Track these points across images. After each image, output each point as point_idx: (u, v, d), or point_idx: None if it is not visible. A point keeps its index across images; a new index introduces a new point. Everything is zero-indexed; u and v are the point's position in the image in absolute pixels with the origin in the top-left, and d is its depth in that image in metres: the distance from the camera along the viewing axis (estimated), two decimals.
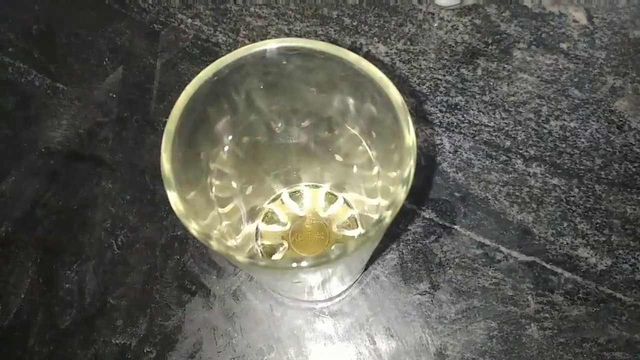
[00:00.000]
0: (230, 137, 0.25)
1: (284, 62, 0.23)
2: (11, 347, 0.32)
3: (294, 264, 0.19)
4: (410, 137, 0.21)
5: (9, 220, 0.36)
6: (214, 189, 0.24)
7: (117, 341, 0.32)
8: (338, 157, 0.30)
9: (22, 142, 0.38)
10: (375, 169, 0.27)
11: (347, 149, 0.29)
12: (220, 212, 0.25)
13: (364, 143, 0.27)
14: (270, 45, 0.22)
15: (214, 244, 0.19)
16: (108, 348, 0.32)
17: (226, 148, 0.25)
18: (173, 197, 0.19)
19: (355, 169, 0.30)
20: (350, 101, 0.25)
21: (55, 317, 0.33)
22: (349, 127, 0.27)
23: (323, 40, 0.40)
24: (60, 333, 0.32)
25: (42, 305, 0.33)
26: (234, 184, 0.28)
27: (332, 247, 0.32)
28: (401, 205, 0.20)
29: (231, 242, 0.25)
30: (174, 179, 0.20)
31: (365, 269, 0.33)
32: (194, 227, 0.19)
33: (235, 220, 0.28)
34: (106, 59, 0.41)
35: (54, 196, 0.36)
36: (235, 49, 0.22)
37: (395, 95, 0.21)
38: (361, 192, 0.31)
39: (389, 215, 0.20)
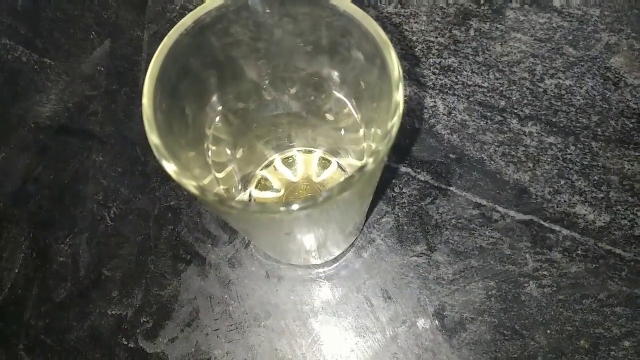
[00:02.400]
0: (221, 103, 0.24)
1: (267, 10, 0.22)
2: (7, 322, 0.32)
3: (283, 208, 0.18)
4: (398, 93, 0.20)
5: (0, 195, 0.35)
6: (210, 153, 0.24)
7: (112, 312, 0.32)
8: (329, 119, 0.30)
9: (11, 117, 0.38)
10: (361, 131, 0.26)
11: (335, 111, 0.28)
12: (217, 177, 0.24)
13: (349, 105, 0.27)
14: None
15: (210, 194, 0.19)
16: (104, 319, 0.32)
17: (219, 114, 0.24)
18: (154, 140, 0.19)
19: (343, 132, 0.29)
20: (337, 55, 0.24)
21: (50, 290, 0.33)
22: (334, 91, 0.26)
23: None
24: (56, 306, 0.32)
25: (36, 279, 0.33)
26: (228, 150, 0.27)
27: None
28: (384, 153, 0.19)
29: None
30: (155, 123, 0.19)
31: (361, 231, 0.33)
32: (171, 168, 0.19)
33: (231, 184, 0.28)
34: (93, 33, 0.40)
35: (44, 171, 0.36)
36: None
37: (378, 31, 0.20)
38: (352, 156, 0.31)
39: (370, 162, 0.19)
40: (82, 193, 0.35)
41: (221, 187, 0.24)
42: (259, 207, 0.19)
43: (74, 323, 0.32)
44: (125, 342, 0.31)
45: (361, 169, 0.19)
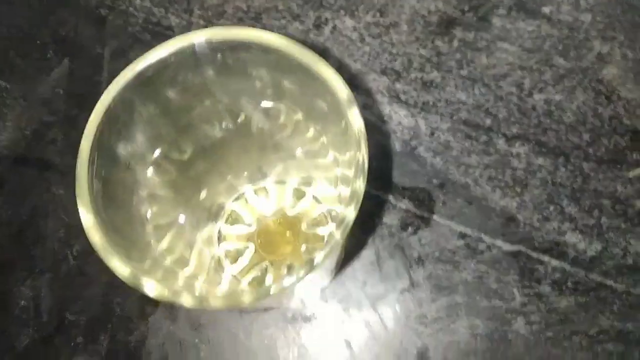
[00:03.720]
0: (157, 151, 0.22)
1: (219, 56, 0.20)
2: None
3: (255, 297, 0.16)
4: (355, 124, 0.18)
5: None
6: (149, 218, 0.21)
7: None
8: (298, 151, 0.27)
9: None
10: (331, 155, 0.24)
11: (299, 137, 0.26)
12: (161, 249, 0.22)
13: (311, 129, 0.24)
14: (198, 39, 0.19)
15: (151, 290, 0.17)
16: None
17: (153, 165, 0.22)
18: (88, 221, 0.17)
19: (308, 157, 0.27)
20: (293, 89, 0.22)
21: (12, 338, 0.31)
22: (292, 114, 0.24)
23: (285, 19, 0.37)
24: (18, 356, 0.30)
25: None
26: (174, 205, 0.25)
27: (303, 250, 0.30)
28: (361, 199, 0.17)
29: (184, 272, 0.22)
30: (90, 198, 0.17)
31: (340, 268, 0.31)
32: (120, 271, 0.17)
33: (187, 237, 0.25)
34: (50, 52, 0.38)
35: (2, 206, 0.34)
36: (187, 32, 0.19)
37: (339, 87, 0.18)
38: (324, 184, 0.29)
39: (350, 212, 0.17)
40: (42, 230, 0.33)
41: (168, 259, 0.22)
42: (220, 302, 0.17)
43: None
44: None
45: (340, 224, 0.17)
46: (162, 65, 0.19)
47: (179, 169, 0.23)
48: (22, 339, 0.31)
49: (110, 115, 0.19)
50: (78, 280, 0.32)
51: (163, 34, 0.37)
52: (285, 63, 0.19)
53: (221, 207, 0.31)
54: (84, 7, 0.39)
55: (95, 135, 0.18)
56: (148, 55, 0.19)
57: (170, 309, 0.31)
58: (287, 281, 0.16)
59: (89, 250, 0.32)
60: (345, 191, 0.23)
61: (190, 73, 0.20)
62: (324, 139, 0.24)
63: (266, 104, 0.23)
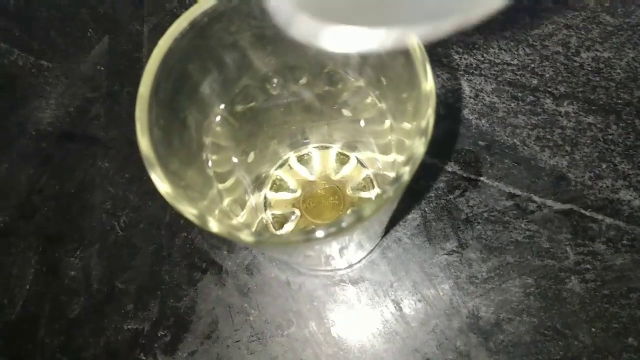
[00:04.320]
0: (222, 106, 0.22)
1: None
2: (21, 341, 0.31)
3: (304, 237, 0.16)
4: (427, 82, 0.18)
5: (6, 209, 0.34)
6: (210, 163, 0.22)
7: (129, 327, 0.30)
8: (346, 113, 0.27)
9: (10, 126, 0.36)
10: (387, 123, 0.24)
11: (354, 102, 0.26)
12: (221, 189, 0.22)
13: (372, 94, 0.24)
14: None
15: (214, 226, 0.17)
16: (120, 335, 0.30)
17: (218, 118, 0.22)
18: (156, 176, 0.17)
19: (363, 123, 0.27)
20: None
21: (63, 306, 0.31)
22: (352, 79, 0.24)
23: None
24: (70, 323, 0.31)
25: (48, 296, 0.32)
26: (233, 156, 0.25)
27: (348, 212, 0.30)
28: (420, 160, 0.17)
29: (237, 219, 0.22)
30: (155, 155, 0.17)
31: (386, 232, 0.30)
32: (189, 211, 0.17)
33: (240, 193, 0.26)
34: (90, 30, 0.38)
35: (49, 181, 0.34)
36: None
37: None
38: (374, 150, 0.28)
39: (407, 172, 0.17)
40: (89, 203, 0.33)
41: (226, 199, 0.22)
42: (278, 239, 0.17)
43: (90, 340, 0.30)
44: (143, 358, 0.30)
45: (394, 182, 0.17)
46: (216, 12, 0.19)
47: (239, 123, 0.24)
48: (74, 308, 0.31)
49: (166, 68, 0.19)
50: (126, 250, 0.32)
51: None
52: None
53: (267, 174, 0.31)
54: None
55: (152, 88, 0.18)
56: (201, 3, 0.19)
57: (218, 274, 0.31)
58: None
59: (135, 221, 0.32)
60: (398, 156, 0.23)
61: (244, 26, 0.20)
62: (382, 105, 0.24)
63: (330, 67, 0.23)
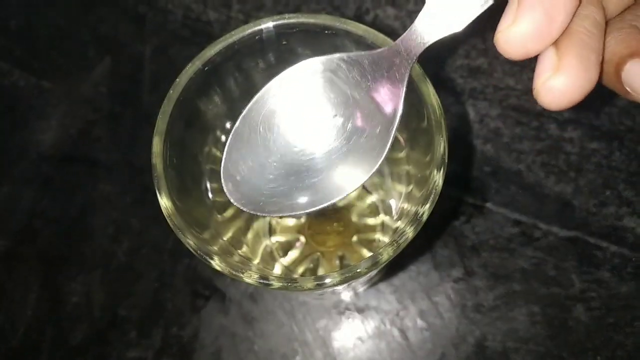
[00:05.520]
0: (224, 133, 0.22)
1: (284, 42, 0.19)
2: None
3: (316, 283, 0.16)
4: (436, 110, 0.18)
5: (7, 233, 0.33)
6: (211, 194, 0.21)
7: (132, 355, 0.30)
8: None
9: (11, 148, 0.36)
10: (403, 152, 0.24)
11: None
12: (221, 220, 0.22)
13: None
14: (266, 24, 0.19)
15: (216, 263, 0.17)
16: None
17: (219, 144, 0.22)
18: (168, 206, 0.17)
19: None
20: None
21: (65, 333, 0.31)
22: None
23: (325, 9, 0.36)
24: (72, 350, 0.31)
25: (50, 322, 0.31)
26: None
27: (354, 240, 0.29)
28: (439, 195, 0.17)
29: (239, 252, 0.22)
30: (167, 186, 0.17)
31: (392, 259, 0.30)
32: (191, 243, 0.17)
33: (241, 222, 0.25)
34: (91, 50, 0.38)
35: (50, 204, 0.34)
36: (228, 28, 0.19)
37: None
38: (383, 176, 0.28)
39: (426, 211, 0.17)
40: (91, 227, 0.33)
41: (229, 229, 0.22)
42: (286, 283, 0.17)
43: None
44: None
45: (413, 222, 0.17)
46: (229, 52, 0.19)
47: None
48: (76, 335, 0.31)
49: (180, 106, 0.19)
50: (128, 275, 0.32)
51: (203, 29, 0.37)
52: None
53: None
54: (123, 6, 0.39)
55: (167, 125, 0.18)
56: (217, 43, 0.18)
57: (222, 302, 0.30)
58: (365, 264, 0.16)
59: (137, 246, 0.32)
60: (415, 188, 0.23)
61: (255, 60, 0.20)
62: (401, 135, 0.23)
63: None
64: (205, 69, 0.18)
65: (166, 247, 0.32)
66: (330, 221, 0.31)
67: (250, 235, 0.27)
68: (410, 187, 0.23)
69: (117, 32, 0.38)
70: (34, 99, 0.37)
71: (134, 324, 0.31)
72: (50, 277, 0.32)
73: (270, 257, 0.29)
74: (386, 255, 0.16)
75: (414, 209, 0.17)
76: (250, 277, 0.17)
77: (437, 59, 0.34)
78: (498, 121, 0.32)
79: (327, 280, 0.16)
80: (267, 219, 0.30)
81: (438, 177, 0.17)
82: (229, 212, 0.24)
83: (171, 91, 0.18)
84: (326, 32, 0.19)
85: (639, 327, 0.28)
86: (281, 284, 0.17)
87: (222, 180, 0.16)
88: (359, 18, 0.36)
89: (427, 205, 0.17)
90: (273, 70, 0.21)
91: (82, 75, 0.37)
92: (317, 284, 0.16)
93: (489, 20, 0.35)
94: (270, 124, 0.16)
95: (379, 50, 0.16)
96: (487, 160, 0.31)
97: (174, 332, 0.30)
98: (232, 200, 0.16)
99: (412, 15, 0.35)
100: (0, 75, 0.38)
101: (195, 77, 0.18)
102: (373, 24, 0.35)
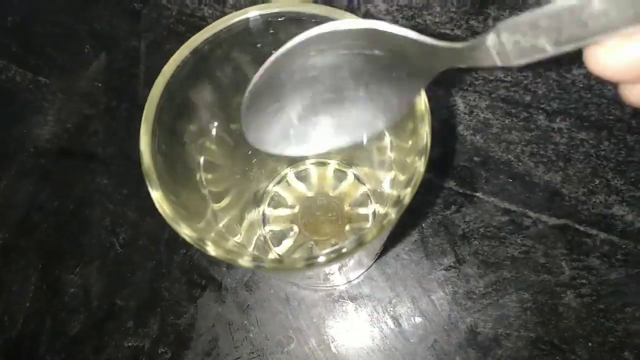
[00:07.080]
0: (216, 124, 0.22)
1: (272, 31, 0.20)
2: (22, 358, 0.31)
3: (306, 263, 0.17)
4: (421, 101, 0.18)
5: (5, 226, 0.34)
6: (205, 183, 0.22)
7: (129, 344, 0.30)
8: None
9: (9, 143, 0.36)
10: (387, 139, 0.24)
11: None
12: (217, 209, 0.22)
13: None
14: (253, 13, 0.19)
15: (211, 249, 0.17)
16: (121, 352, 0.30)
17: (213, 136, 0.22)
18: (157, 196, 0.17)
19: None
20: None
21: (64, 323, 0.31)
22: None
23: (317, 3, 0.37)
24: (70, 340, 0.31)
25: (48, 313, 0.32)
26: (230, 174, 0.26)
27: (347, 229, 0.30)
28: (421, 179, 0.18)
29: (233, 239, 0.23)
30: (157, 175, 0.18)
31: (384, 248, 0.31)
32: (185, 232, 0.17)
33: (236, 211, 0.26)
34: (87, 46, 0.38)
35: (48, 197, 0.34)
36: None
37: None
38: (372, 166, 0.29)
39: (408, 194, 0.17)
40: (88, 219, 0.33)
41: (224, 219, 0.22)
42: (278, 265, 0.17)
43: (91, 357, 0.31)
44: None
45: (396, 204, 0.17)
46: (216, 40, 0.19)
47: (235, 142, 0.24)
48: (74, 325, 0.31)
49: (168, 93, 0.19)
50: (125, 267, 0.32)
51: (198, 25, 0.38)
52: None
53: (265, 191, 0.31)
54: (118, 2, 0.39)
55: (155, 113, 0.19)
56: (203, 32, 0.19)
57: (218, 291, 0.31)
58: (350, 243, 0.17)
59: (134, 237, 0.32)
60: (399, 174, 0.23)
61: (244, 49, 0.20)
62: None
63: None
64: (193, 57, 0.19)
65: (162, 237, 0.32)
66: (323, 210, 0.31)
67: (244, 225, 0.27)
68: (394, 172, 0.23)
69: (113, 28, 0.39)
70: (30, 94, 0.37)
71: (132, 314, 0.31)
72: (48, 268, 0.33)
73: (264, 246, 0.30)
74: (370, 235, 0.17)
75: (396, 192, 0.18)
76: (244, 260, 0.17)
77: None
78: (487, 112, 0.33)
79: (316, 260, 0.16)
80: (261, 208, 0.30)
81: (420, 164, 0.17)
82: (224, 202, 0.25)
83: (159, 78, 0.18)
84: (313, 20, 0.19)
85: (630, 313, 0.29)
86: (274, 265, 0.17)
87: (242, 125, 0.18)
88: (350, 11, 0.36)
89: (409, 189, 0.17)
90: (262, 61, 0.22)
91: (78, 71, 0.38)
92: (307, 264, 0.17)
93: (476, 15, 0.35)
94: (296, 71, 0.17)
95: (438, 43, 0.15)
96: (477, 151, 0.32)
97: (170, 321, 0.31)
98: (252, 144, 0.19)
99: (403, 9, 0.36)
100: None
101: (182, 66, 0.19)
102: (364, 18, 0.36)
